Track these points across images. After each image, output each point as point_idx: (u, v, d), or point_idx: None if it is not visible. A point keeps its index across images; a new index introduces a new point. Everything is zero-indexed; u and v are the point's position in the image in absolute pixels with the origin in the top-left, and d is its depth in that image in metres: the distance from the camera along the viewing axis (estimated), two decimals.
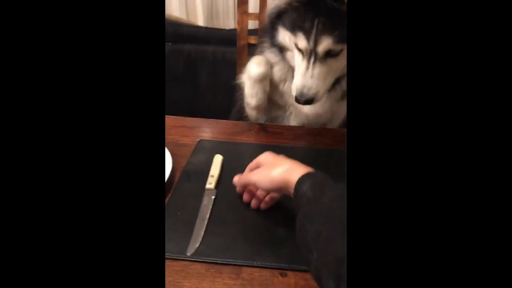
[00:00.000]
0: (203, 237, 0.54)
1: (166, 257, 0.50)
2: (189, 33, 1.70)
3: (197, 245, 0.53)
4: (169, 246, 0.50)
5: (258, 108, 0.83)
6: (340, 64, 0.72)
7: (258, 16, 1.14)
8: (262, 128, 0.86)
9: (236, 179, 0.62)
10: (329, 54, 0.69)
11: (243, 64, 1.18)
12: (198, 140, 0.79)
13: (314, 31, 0.67)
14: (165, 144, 0.70)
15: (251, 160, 0.74)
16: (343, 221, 0.33)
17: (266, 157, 0.60)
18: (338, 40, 0.67)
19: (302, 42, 0.69)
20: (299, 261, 0.50)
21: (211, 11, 2.84)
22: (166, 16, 1.68)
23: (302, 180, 0.49)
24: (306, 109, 0.83)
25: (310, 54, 0.69)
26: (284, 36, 0.75)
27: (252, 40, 1.17)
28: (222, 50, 1.65)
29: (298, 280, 0.48)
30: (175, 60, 1.68)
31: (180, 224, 0.56)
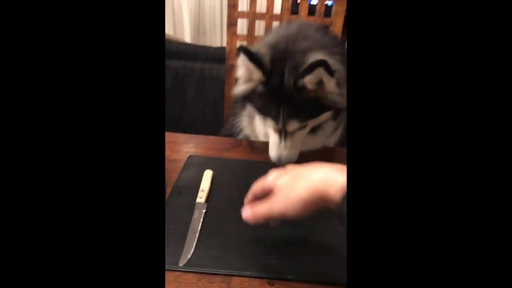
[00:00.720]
0: (194, 249, 0.57)
1: None
2: (177, 50, 1.74)
3: (189, 256, 0.55)
4: None
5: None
6: (309, 128, 0.78)
7: (246, 38, 1.20)
8: (250, 144, 0.90)
9: (249, 214, 0.51)
10: (298, 129, 0.76)
11: (232, 83, 1.24)
12: (188, 155, 0.82)
13: (281, 117, 0.73)
14: None
15: (240, 175, 0.78)
16: None
17: (278, 178, 0.50)
18: (303, 120, 0.74)
19: (271, 125, 0.76)
20: (286, 271, 0.53)
21: (198, 28, 2.91)
22: None
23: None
24: (306, 149, 0.87)
25: (281, 132, 0.76)
26: (253, 111, 0.81)
27: None
28: (210, 67, 1.70)
29: None
30: None
31: (173, 236, 0.59)
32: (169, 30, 2.80)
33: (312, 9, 1.18)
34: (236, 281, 0.52)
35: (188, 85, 1.76)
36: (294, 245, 0.59)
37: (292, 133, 0.76)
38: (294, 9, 1.28)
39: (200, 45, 1.89)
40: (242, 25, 1.20)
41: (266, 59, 0.72)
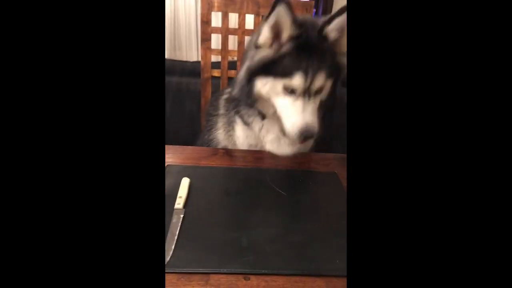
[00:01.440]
0: (173, 251, 0.59)
1: None
2: None
3: (168, 258, 0.58)
4: None
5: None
6: (320, 98, 0.81)
7: (220, 52, 1.25)
8: (227, 152, 0.94)
9: None
10: (317, 91, 0.78)
11: (208, 96, 1.28)
12: (166, 165, 0.85)
13: (310, 70, 0.75)
14: None
15: (217, 181, 0.81)
16: None
17: None
18: (327, 76, 0.77)
19: (299, 82, 0.76)
20: (260, 266, 0.57)
21: (174, 43, 2.95)
22: None
23: None
24: (282, 151, 0.92)
25: (304, 93, 0.77)
26: (265, 84, 0.80)
27: (216, 73, 1.27)
28: (186, 81, 1.73)
29: (260, 282, 0.55)
30: None
31: None
32: None
33: None
34: (213, 278, 0.55)
35: (165, 99, 1.78)
36: (268, 243, 0.62)
37: (313, 97, 0.77)
38: None
39: (177, 60, 1.93)
40: (217, 40, 1.26)
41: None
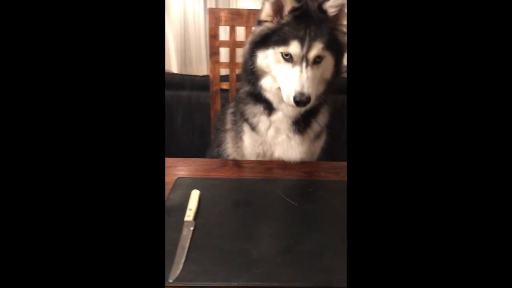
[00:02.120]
0: (183, 264, 0.59)
1: None
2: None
3: (178, 272, 0.57)
4: None
5: None
6: (320, 71, 0.85)
7: (228, 65, 1.26)
8: (236, 163, 0.94)
9: None
10: (315, 61, 0.82)
11: (217, 108, 1.29)
12: (176, 178, 0.86)
13: (307, 38, 0.80)
14: None
15: (227, 192, 0.81)
16: None
17: None
18: (325, 47, 0.82)
19: (296, 48, 0.81)
20: (272, 278, 0.56)
21: (184, 59, 3.02)
22: None
23: None
24: (290, 155, 0.94)
25: (302, 60, 0.81)
26: (266, 55, 0.85)
27: (224, 85, 1.28)
28: (196, 95, 1.76)
29: None
30: None
31: None
32: None
33: None
34: None
35: (176, 113, 1.81)
36: (279, 254, 0.61)
37: (311, 66, 0.81)
38: None
39: (186, 74, 1.96)
40: (225, 53, 1.28)
41: None
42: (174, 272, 0.57)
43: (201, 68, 2.97)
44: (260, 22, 0.87)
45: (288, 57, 0.82)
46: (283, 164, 0.94)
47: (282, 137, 0.93)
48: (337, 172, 0.90)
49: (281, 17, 0.84)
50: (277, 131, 0.93)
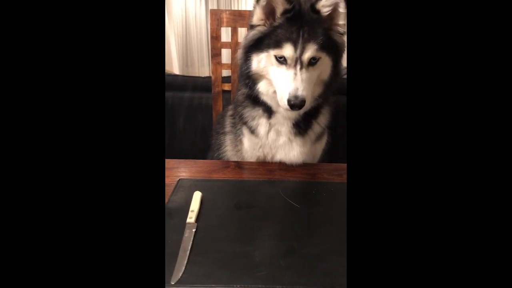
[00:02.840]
0: (185, 267, 0.59)
1: None
2: (166, 81, 1.81)
3: (180, 274, 0.57)
4: None
5: None
6: (316, 73, 0.83)
7: (231, 66, 1.26)
8: (238, 165, 0.94)
9: None
10: (310, 63, 0.81)
11: (219, 109, 1.29)
12: (178, 179, 0.85)
13: (300, 40, 0.79)
14: None
15: (229, 194, 0.81)
16: None
17: None
18: (319, 48, 0.80)
19: (289, 51, 0.79)
20: (274, 281, 0.55)
21: (186, 60, 3.02)
22: None
23: None
24: (292, 158, 0.93)
25: (296, 62, 0.80)
26: (260, 59, 0.84)
27: (226, 87, 1.28)
28: (198, 96, 1.75)
29: None
30: None
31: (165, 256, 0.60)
32: None
33: None
34: None
35: (178, 115, 1.81)
36: (282, 257, 0.61)
37: (306, 67, 0.80)
38: None
39: (189, 76, 1.96)
40: (227, 55, 1.28)
41: None
42: (176, 274, 0.57)
43: (203, 69, 2.98)
44: (252, 27, 0.85)
45: (282, 60, 0.81)
46: (285, 166, 0.93)
47: (283, 139, 0.93)
48: (340, 174, 0.89)
49: (273, 20, 0.82)
50: (278, 134, 0.93)
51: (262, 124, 0.92)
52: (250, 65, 0.86)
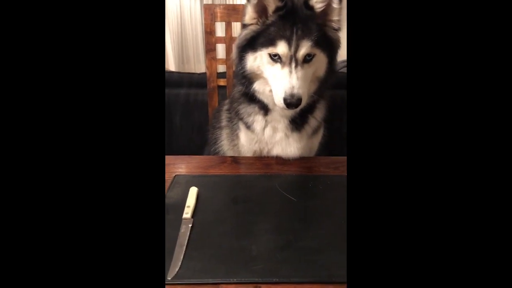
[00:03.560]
0: (182, 262, 0.58)
1: None
2: None
3: (176, 269, 0.57)
4: None
5: None
6: (311, 70, 0.82)
7: (225, 61, 1.25)
8: (234, 160, 0.93)
9: None
10: (305, 60, 0.79)
11: (215, 105, 1.28)
12: (174, 175, 0.85)
13: (294, 37, 0.78)
14: None
15: (225, 189, 0.80)
16: None
17: None
18: (314, 44, 0.79)
19: (283, 48, 0.78)
20: (271, 274, 0.55)
21: (182, 57, 3.00)
22: None
23: None
24: (288, 152, 0.92)
25: (291, 60, 0.78)
26: (254, 58, 0.83)
27: (221, 82, 1.27)
28: (194, 93, 1.75)
29: None
30: None
31: None
32: None
33: None
34: None
35: (174, 112, 1.80)
36: (278, 251, 0.61)
37: (301, 65, 0.79)
38: None
39: (184, 72, 1.95)
40: (223, 50, 1.27)
41: None
42: (173, 270, 0.57)
43: (199, 66, 2.96)
44: (245, 26, 0.84)
45: (276, 58, 0.80)
46: (282, 160, 0.93)
47: (280, 135, 0.92)
48: (337, 167, 0.89)
49: (266, 18, 0.81)
50: (274, 130, 0.92)
51: (258, 120, 0.92)
52: (245, 65, 0.85)
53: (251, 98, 0.90)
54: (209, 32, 1.20)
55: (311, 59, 0.80)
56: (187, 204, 0.72)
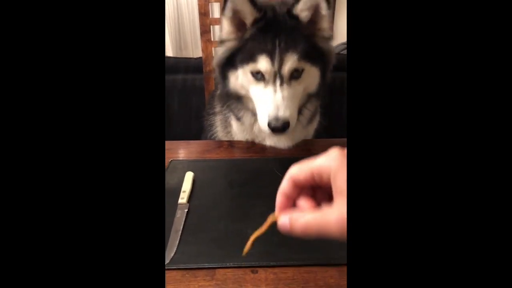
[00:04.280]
0: (177, 247, 0.57)
1: None
2: None
3: (172, 254, 0.56)
4: None
5: None
6: (301, 87, 0.72)
7: None
8: (231, 144, 0.92)
9: (287, 225, 0.38)
10: (293, 76, 0.70)
11: (211, 89, 1.26)
12: (170, 160, 0.83)
13: (277, 50, 0.68)
14: None
15: (221, 173, 0.78)
16: None
17: (343, 163, 0.32)
18: (302, 57, 0.68)
19: (265, 64, 0.68)
20: (268, 258, 0.54)
21: (179, 42, 2.95)
22: None
23: None
24: (282, 144, 0.85)
25: (275, 78, 0.69)
26: (236, 77, 0.74)
27: None
28: (192, 78, 1.72)
29: (268, 275, 0.52)
30: None
31: None
32: None
33: None
34: (219, 273, 0.53)
35: (172, 98, 1.77)
36: (275, 234, 0.59)
37: (288, 83, 0.69)
38: None
39: (181, 57, 1.91)
40: (218, 31, 1.23)
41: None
42: (168, 255, 0.56)
43: (197, 51, 2.91)
44: (223, 42, 0.75)
45: (259, 76, 0.70)
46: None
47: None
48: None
49: (245, 31, 0.72)
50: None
51: (247, 116, 0.85)
52: (228, 84, 0.77)
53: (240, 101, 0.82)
54: (203, 13, 1.16)
55: (300, 75, 0.70)
56: (182, 189, 0.71)
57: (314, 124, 0.95)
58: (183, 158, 0.85)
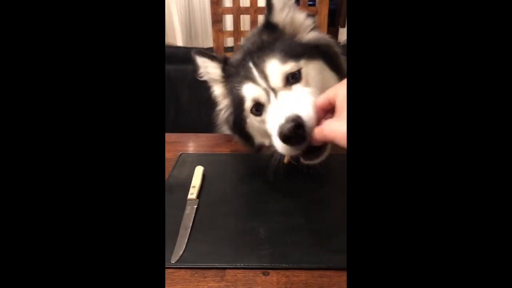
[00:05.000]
0: (186, 245, 0.56)
1: None
2: (168, 54, 1.74)
3: (181, 253, 0.54)
4: None
5: None
6: (312, 86, 0.61)
7: (233, 33, 1.19)
8: None
9: (316, 134, 0.52)
10: (289, 81, 0.61)
11: None
12: (180, 153, 0.81)
13: (254, 68, 0.63)
14: None
15: (232, 168, 0.76)
16: None
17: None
18: (285, 57, 0.61)
19: (251, 89, 0.63)
20: (280, 259, 0.52)
21: (189, 32, 2.91)
22: None
23: None
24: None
25: (268, 94, 0.61)
26: (252, 124, 0.68)
27: (229, 56, 1.21)
28: None
29: (280, 277, 0.50)
30: None
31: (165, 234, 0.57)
32: None
33: None
34: (229, 273, 0.51)
35: (181, 88, 1.75)
36: (287, 234, 0.57)
37: (284, 88, 0.61)
38: None
39: (191, 47, 1.89)
40: (230, 21, 1.19)
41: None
42: (177, 252, 0.54)
43: (207, 41, 2.88)
44: (211, 86, 0.77)
45: (260, 109, 0.63)
46: None
47: None
48: None
49: (225, 64, 0.72)
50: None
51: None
52: (245, 126, 0.71)
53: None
54: (215, 1, 1.13)
55: (300, 76, 0.61)
56: (192, 184, 0.69)
57: None
58: (193, 152, 0.83)
